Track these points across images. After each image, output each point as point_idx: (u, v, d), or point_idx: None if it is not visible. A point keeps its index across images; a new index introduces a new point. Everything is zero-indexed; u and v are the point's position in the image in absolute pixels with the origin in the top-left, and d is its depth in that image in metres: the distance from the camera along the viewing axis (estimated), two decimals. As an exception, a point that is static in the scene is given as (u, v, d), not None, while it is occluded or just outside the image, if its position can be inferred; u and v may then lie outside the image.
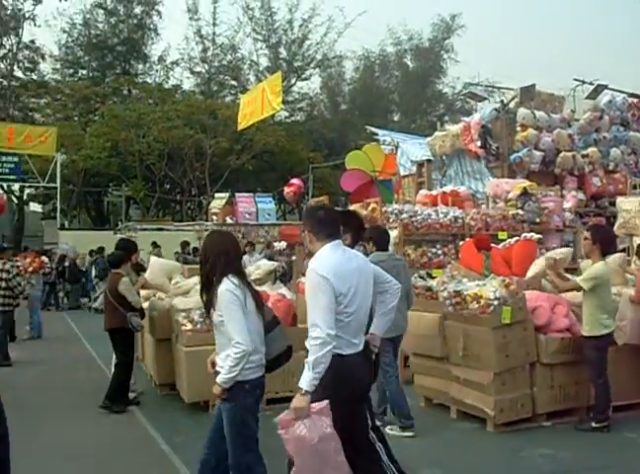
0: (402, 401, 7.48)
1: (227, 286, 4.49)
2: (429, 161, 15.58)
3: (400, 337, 7.64)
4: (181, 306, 8.65)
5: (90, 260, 24.87)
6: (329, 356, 4.14)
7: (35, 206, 51.27)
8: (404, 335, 7.63)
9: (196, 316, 8.37)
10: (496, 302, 7.31)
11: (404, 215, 10.17)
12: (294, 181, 21.54)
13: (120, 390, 8.86)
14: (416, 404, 8.58)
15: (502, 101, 15.32)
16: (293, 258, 17.37)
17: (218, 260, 4.60)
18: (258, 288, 8.78)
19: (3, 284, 13.02)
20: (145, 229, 25.32)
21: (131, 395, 9.13)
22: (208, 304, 4.62)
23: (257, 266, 9.67)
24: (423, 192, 13.74)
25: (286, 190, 21.00)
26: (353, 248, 5.35)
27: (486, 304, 7.37)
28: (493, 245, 8.87)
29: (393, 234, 9.92)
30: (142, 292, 9.69)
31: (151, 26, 50.60)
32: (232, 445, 4.52)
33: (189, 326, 8.32)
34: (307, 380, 4.12)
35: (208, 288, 4.63)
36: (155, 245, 22.12)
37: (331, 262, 4.34)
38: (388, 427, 7.43)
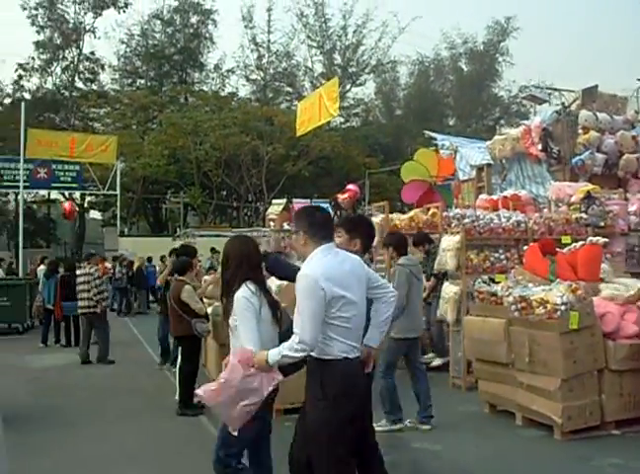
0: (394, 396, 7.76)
1: (244, 293, 4.48)
2: (488, 165, 15.43)
3: (418, 338, 8.09)
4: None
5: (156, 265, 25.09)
6: (299, 359, 4.21)
7: (94, 214, 52.29)
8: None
9: (260, 321, 8.42)
10: (563, 307, 7.19)
11: (466, 220, 10.05)
12: (350, 186, 21.50)
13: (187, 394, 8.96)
14: (480, 410, 8.50)
15: (563, 103, 15.10)
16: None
17: (239, 265, 4.60)
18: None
19: (90, 286, 13.54)
20: (203, 235, 25.57)
21: (196, 400, 9.21)
22: (227, 309, 4.63)
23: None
24: (483, 196, 13.60)
25: (341, 196, 20.99)
26: (363, 255, 5.28)
27: (553, 309, 7.25)
28: (558, 249, 8.73)
29: (455, 239, 9.84)
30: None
31: (207, 35, 51.52)
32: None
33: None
34: (272, 359, 4.19)
35: (228, 293, 4.62)
36: (214, 251, 22.32)
37: (324, 265, 4.25)
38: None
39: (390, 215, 12.52)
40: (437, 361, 11.07)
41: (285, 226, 23.97)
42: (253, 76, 51.63)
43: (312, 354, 4.24)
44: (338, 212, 18.73)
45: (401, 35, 52.85)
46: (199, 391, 4.45)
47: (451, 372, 10.16)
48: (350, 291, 4.25)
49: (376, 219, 11.81)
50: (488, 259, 10.11)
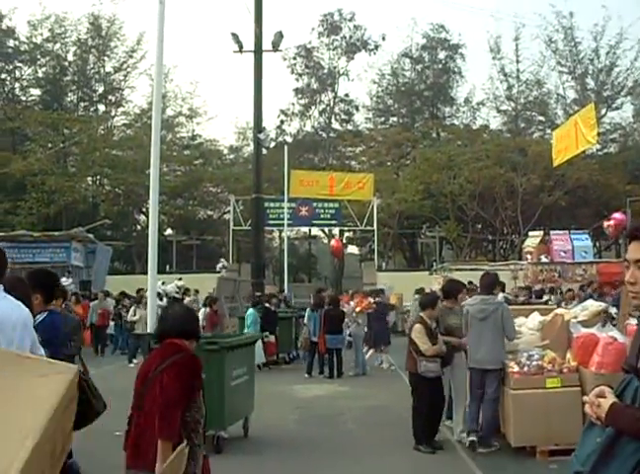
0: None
1: None
2: None
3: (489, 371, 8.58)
4: (507, 348, 8.60)
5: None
6: None
7: (352, 249, 54.11)
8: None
9: (523, 358, 8.28)
10: None
11: None
12: (616, 215, 20.58)
13: (421, 432, 8.88)
14: None
15: None
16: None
17: None
18: (585, 330, 8.55)
19: None
20: (459, 269, 25.56)
21: (464, 435, 9.07)
22: None
23: (583, 306, 9.34)
24: None
25: (606, 223, 20.12)
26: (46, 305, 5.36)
27: None
28: None
29: None
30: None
31: (455, 69, 51.98)
32: None
33: (515, 368, 8.23)
34: None
35: None
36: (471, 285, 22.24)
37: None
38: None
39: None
40: None
41: (543, 259, 23.42)
42: (503, 107, 50.96)
43: None
44: (597, 243, 17.96)
45: (660, 50, 49.20)
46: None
47: None
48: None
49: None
50: None
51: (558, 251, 24.70)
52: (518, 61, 49.37)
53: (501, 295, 13.71)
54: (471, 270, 26.38)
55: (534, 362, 8.18)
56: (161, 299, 22.84)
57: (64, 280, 23.97)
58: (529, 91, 50.13)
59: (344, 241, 48.43)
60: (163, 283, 24.97)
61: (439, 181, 40.13)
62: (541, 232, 28.29)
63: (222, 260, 32.34)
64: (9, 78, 49.89)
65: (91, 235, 30.69)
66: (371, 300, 18.80)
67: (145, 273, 10.29)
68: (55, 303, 7.82)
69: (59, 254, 28.01)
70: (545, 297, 18.57)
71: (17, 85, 50.27)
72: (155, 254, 9.95)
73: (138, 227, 49.19)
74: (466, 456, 8.49)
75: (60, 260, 27.81)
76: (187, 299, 22.08)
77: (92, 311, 22.29)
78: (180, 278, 27.08)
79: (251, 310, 17.46)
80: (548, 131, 43.08)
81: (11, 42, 48.75)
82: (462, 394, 9.16)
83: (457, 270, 25.45)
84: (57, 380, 2.11)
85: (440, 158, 40.56)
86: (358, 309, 17.58)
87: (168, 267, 38.41)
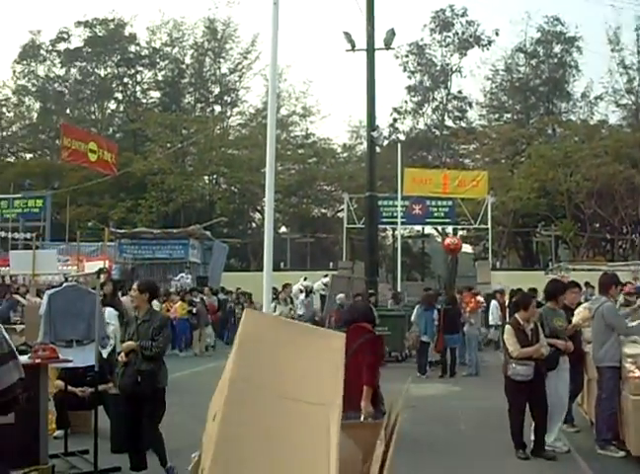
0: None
1: None
2: None
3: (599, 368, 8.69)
4: (629, 351, 8.37)
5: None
6: None
7: (466, 247, 53.51)
8: None
9: (645, 363, 8.05)
10: None
11: None
12: None
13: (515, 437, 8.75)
14: None
15: None
16: None
17: None
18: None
19: None
20: (576, 269, 24.95)
21: (558, 444, 8.86)
22: None
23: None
24: None
25: None
26: None
27: None
28: None
29: None
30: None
31: (572, 63, 50.72)
32: None
33: (637, 373, 7.99)
34: None
35: None
36: (588, 285, 21.66)
37: None
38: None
39: None
40: None
41: (666, 259, 22.49)
42: (623, 101, 49.12)
43: None
44: None
45: None
46: None
47: None
48: None
49: None
50: None
51: (682, 251, 23.76)
52: (639, 53, 47.60)
53: (621, 296, 13.30)
54: (589, 270, 25.67)
55: (657, 367, 7.95)
56: (307, 296, 23.53)
57: (183, 276, 24.90)
58: (650, 83, 48.28)
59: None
60: (305, 279, 25.68)
61: (554, 178, 39.24)
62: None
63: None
64: (131, 82, 52.11)
65: (208, 232, 31.51)
66: (481, 299, 18.62)
67: (260, 269, 10.58)
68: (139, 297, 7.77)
69: (178, 250, 28.89)
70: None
71: (138, 88, 52.46)
72: (270, 251, 10.18)
73: (253, 225, 50.28)
74: (585, 465, 8.29)
75: (179, 256, 28.70)
76: (338, 296, 22.23)
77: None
78: (326, 275, 27.50)
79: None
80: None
81: (132, 48, 50.88)
82: (561, 400, 8.82)
83: (574, 270, 24.80)
84: (340, 340, 3.73)
85: (556, 155, 39.64)
86: (468, 309, 17.38)
87: (282, 264, 39.01)
